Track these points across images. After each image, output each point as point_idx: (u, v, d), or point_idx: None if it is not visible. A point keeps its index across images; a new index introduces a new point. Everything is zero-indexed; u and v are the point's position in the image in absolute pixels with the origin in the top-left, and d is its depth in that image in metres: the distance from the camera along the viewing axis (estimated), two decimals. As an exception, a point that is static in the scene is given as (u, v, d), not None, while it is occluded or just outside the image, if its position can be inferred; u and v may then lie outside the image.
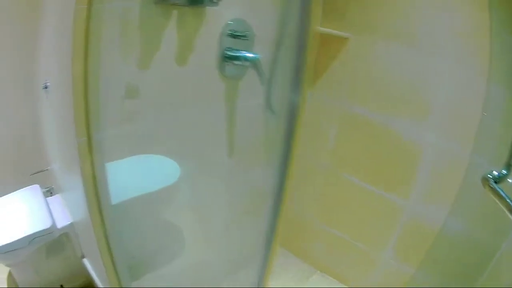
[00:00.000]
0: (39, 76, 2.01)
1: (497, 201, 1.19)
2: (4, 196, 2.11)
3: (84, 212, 1.35)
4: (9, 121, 2.33)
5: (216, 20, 1.37)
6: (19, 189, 2.32)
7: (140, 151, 1.40)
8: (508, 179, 1.27)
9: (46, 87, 1.71)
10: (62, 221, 1.95)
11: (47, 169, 2.38)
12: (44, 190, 2.25)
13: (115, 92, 1.21)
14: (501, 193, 1.19)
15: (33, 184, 2.30)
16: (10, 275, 2.15)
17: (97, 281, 1.73)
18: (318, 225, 2.59)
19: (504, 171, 1.28)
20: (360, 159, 2.28)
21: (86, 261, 2.01)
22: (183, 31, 1.29)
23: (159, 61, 1.26)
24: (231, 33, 1.46)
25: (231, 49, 1.47)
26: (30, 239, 1.83)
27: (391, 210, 2.16)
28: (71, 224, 1.95)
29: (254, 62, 1.45)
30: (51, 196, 2.21)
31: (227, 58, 1.47)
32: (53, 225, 1.89)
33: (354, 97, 2.24)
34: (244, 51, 1.47)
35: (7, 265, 2.01)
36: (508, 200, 1.14)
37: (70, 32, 1.07)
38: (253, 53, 1.45)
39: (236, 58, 1.47)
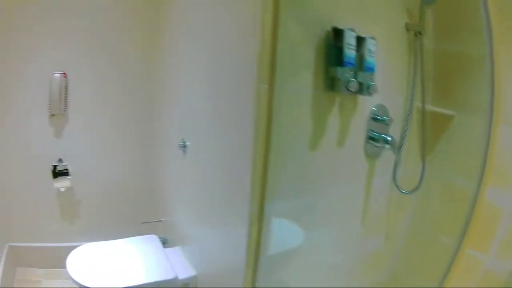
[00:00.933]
0: (168, 133, 2.25)
1: None
2: (121, 240, 2.29)
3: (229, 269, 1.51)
4: (133, 170, 2.60)
5: (367, 106, 1.54)
6: (131, 236, 2.51)
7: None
8: None
9: (184, 146, 1.91)
10: (185, 273, 2.09)
11: (160, 220, 2.57)
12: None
13: (287, 170, 1.37)
14: None
15: (143, 233, 2.46)
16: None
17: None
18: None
19: None
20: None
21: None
22: (342, 115, 1.47)
23: (325, 142, 1.43)
24: (374, 117, 1.62)
25: (373, 131, 1.63)
26: (152, 285, 1.97)
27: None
28: (195, 277, 2.09)
29: (392, 144, 1.60)
30: (165, 246, 2.36)
31: (370, 140, 1.63)
32: (176, 276, 2.03)
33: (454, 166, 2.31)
34: (383, 133, 1.62)
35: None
36: None
37: (246, 107, 1.24)
38: (390, 135, 1.61)
39: (377, 139, 1.62)
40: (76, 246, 2.39)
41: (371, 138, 1.62)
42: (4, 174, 2.34)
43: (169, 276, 2.02)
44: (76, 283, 1.89)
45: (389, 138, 1.59)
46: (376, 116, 1.62)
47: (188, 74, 1.89)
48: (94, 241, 2.32)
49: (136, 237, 2.35)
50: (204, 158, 1.73)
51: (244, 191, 1.31)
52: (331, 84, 1.36)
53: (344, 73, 1.32)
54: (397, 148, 1.58)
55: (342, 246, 1.79)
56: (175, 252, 2.25)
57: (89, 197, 2.55)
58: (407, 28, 1.62)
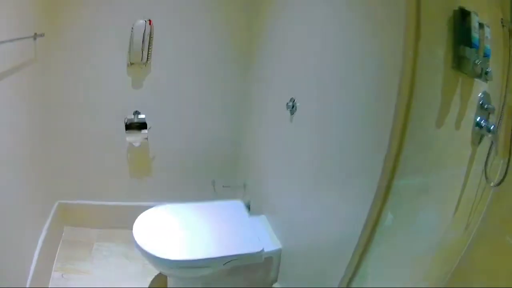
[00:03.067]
0: (270, 91, 2.06)
1: None
2: (200, 203, 2.14)
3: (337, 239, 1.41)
4: (218, 128, 2.43)
5: (476, 91, 1.44)
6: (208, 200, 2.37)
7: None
8: None
9: (293, 107, 1.73)
10: (269, 245, 1.95)
11: (244, 185, 2.41)
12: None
13: (414, 145, 1.24)
14: None
15: (221, 197, 2.37)
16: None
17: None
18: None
19: None
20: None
21: (277, 285, 2.00)
22: (462, 96, 1.35)
23: (447, 121, 1.29)
24: (481, 104, 1.52)
25: (479, 118, 1.53)
26: (231, 259, 1.82)
27: None
28: (279, 250, 1.96)
29: (494, 132, 1.50)
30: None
31: (476, 126, 1.52)
32: (263, 249, 1.87)
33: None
34: (488, 121, 1.52)
35: (181, 278, 1.97)
36: None
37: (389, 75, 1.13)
38: (493, 124, 1.50)
39: (482, 126, 1.52)
40: (141, 207, 2.24)
41: (477, 125, 1.52)
42: (70, 122, 2.19)
43: (255, 248, 1.86)
44: (144, 251, 1.75)
45: (492, 127, 1.49)
46: (483, 103, 1.52)
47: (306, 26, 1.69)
48: (165, 202, 2.17)
49: (219, 201, 2.20)
50: (321, 124, 1.57)
51: (375, 163, 1.20)
52: (458, 63, 1.28)
53: (472, 54, 1.26)
54: (497, 138, 1.48)
55: (433, 232, 1.68)
56: (259, 222, 2.09)
57: (164, 154, 2.39)
58: (502, 24, 1.54)
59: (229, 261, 1.81)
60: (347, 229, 1.35)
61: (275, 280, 2.02)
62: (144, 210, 2.07)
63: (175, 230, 1.90)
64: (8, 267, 1.57)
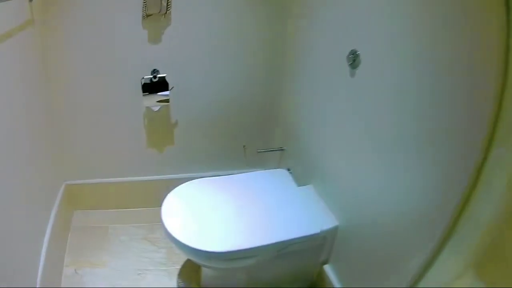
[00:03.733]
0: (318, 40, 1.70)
1: None
2: (238, 175, 1.82)
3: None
4: (251, 86, 2.05)
5: None
6: (239, 169, 2.07)
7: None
8: None
9: (354, 60, 1.40)
10: (326, 223, 1.63)
11: (282, 149, 2.10)
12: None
13: None
14: None
15: (255, 165, 2.13)
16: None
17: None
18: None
19: None
20: None
21: (328, 267, 1.72)
22: None
23: None
24: None
25: None
26: (287, 245, 1.51)
27: None
28: (335, 228, 1.65)
29: None
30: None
31: None
32: (322, 231, 1.57)
33: None
34: None
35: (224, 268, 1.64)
36: None
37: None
38: None
39: None
40: (162, 181, 1.99)
41: None
42: (76, 88, 1.82)
43: (313, 229, 1.56)
44: (178, 242, 1.45)
45: None
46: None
47: None
48: (189, 175, 1.92)
49: (261, 171, 1.87)
50: (397, 79, 1.24)
51: (471, 133, 0.94)
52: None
53: None
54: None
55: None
56: (309, 194, 1.77)
57: (188, 119, 2.03)
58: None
59: (284, 248, 1.51)
60: (427, 204, 1.11)
61: (326, 262, 1.73)
62: (165, 185, 1.79)
63: (214, 211, 1.58)
64: (14, 266, 1.27)
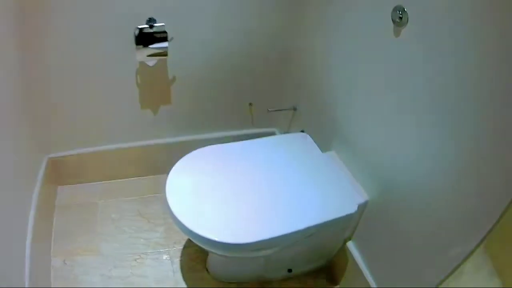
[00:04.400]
0: None
1: None
2: (263, 139, 1.58)
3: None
4: (267, 35, 1.74)
5: None
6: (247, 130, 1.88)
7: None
8: None
9: (401, 18, 1.17)
10: (356, 197, 1.43)
11: (295, 108, 1.87)
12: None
13: None
14: None
15: (263, 125, 1.93)
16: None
17: (362, 266, 1.49)
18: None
19: None
20: None
21: (351, 244, 1.56)
22: None
23: None
24: None
25: None
26: (318, 229, 1.30)
27: None
28: (366, 203, 1.46)
29: None
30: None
31: None
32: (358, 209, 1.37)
33: None
34: None
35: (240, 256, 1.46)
36: None
37: None
38: None
39: None
40: (157, 146, 1.81)
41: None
42: (57, 40, 1.45)
43: (349, 208, 1.35)
44: (193, 234, 1.20)
45: None
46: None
47: None
48: (188, 137, 1.80)
49: (279, 136, 1.62)
50: (448, 43, 1.01)
51: None
52: None
53: None
54: None
55: None
56: (332, 161, 1.55)
57: (187, 75, 1.72)
58: None
59: (315, 231, 1.30)
60: (481, 184, 0.96)
61: (350, 238, 1.56)
62: (160, 151, 1.66)
63: (232, 190, 1.34)
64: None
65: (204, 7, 1.55)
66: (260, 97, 1.90)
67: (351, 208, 1.34)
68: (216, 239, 1.17)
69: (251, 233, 1.19)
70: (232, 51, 1.70)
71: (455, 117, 1.01)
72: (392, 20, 1.16)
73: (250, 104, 1.92)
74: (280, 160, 1.47)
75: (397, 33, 1.17)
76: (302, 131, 1.75)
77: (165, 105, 1.76)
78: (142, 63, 1.58)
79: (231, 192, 1.31)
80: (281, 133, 2.04)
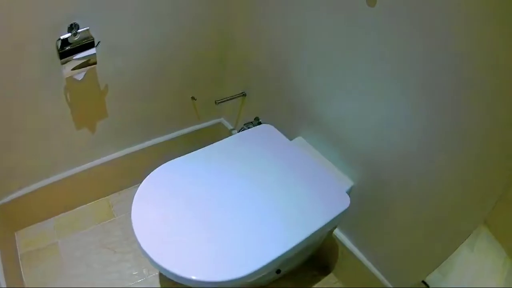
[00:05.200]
0: None
1: None
2: (228, 140, 1.40)
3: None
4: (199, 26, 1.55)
5: None
6: (202, 120, 1.78)
7: None
8: None
9: None
10: (344, 186, 1.34)
11: (244, 94, 1.72)
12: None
13: None
14: None
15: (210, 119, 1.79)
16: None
17: (354, 249, 1.46)
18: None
19: None
20: None
21: (337, 230, 1.52)
22: None
23: None
24: None
25: None
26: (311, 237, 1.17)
27: None
28: (351, 189, 1.36)
29: None
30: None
31: None
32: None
33: None
34: None
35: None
36: None
37: None
38: None
39: None
40: (103, 165, 1.62)
41: None
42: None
43: (343, 204, 1.24)
44: (171, 274, 1.01)
45: None
46: None
47: None
48: (135, 145, 1.65)
49: (242, 133, 1.44)
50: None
51: None
52: None
53: None
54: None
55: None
56: (303, 150, 1.42)
57: (122, 80, 1.48)
58: None
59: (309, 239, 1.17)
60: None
61: (336, 226, 1.51)
62: (108, 168, 1.55)
63: (206, 209, 1.15)
64: None
65: (132, 3, 1.31)
66: (202, 89, 1.73)
67: (345, 202, 1.23)
68: (198, 278, 0.99)
69: (239, 265, 1.03)
70: (164, 45, 1.48)
71: (433, 86, 0.96)
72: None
73: (193, 98, 1.73)
74: (250, 164, 1.31)
75: (369, 3, 1.04)
76: (257, 119, 1.62)
77: (103, 119, 1.53)
78: (70, 79, 1.33)
79: (207, 214, 1.13)
80: (230, 122, 1.90)
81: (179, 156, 1.27)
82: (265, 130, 1.45)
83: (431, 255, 1.15)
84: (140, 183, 1.16)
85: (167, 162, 1.26)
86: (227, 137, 1.40)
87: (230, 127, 1.88)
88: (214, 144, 1.36)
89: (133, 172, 1.70)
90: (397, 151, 1.14)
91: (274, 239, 1.08)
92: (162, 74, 1.55)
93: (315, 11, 1.21)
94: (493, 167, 0.90)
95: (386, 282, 1.36)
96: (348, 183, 1.34)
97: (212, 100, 1.71)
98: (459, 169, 0.98)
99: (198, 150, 1.32)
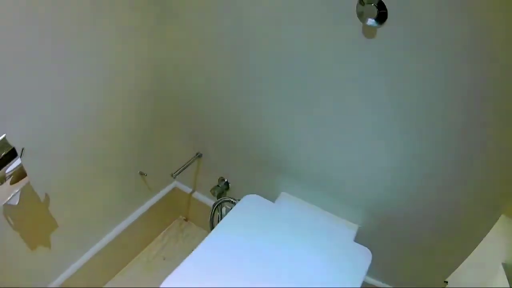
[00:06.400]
0: None
1: None
2: (223, 224, 1.19)
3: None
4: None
5: None
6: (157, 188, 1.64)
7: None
8: None
9: (378, 17, 0.88)
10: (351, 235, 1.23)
11: (199, 156, 1.53)
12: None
13: None
14: None
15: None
16: None
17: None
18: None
19: None
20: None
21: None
22: None
23: None
24: None
25: None
26: None
27: None
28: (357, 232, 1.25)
29: None
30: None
31: None
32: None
33: None
34: None
35: None
36: None
37: None
38: None
39: None
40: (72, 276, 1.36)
41: None
42: None
43: (367, 258, 1.12)
44: None
45: None
46: None
47: None
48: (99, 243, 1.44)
49: (229, 215, 1.22)
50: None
51: None
52: None
53: None
54: None
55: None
56: (296, 210, 1.29)
57: (61, 181, 1.20)
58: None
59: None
60: None
61: None
62: (80, 274, 1.33)
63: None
64: None
65: (46, 92, 1.05)
66: (149, 161, 1.52)
67: (367, 257, 1.10)
68: None
69: None
70: (100, 131, 1.25)
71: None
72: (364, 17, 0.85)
73: (141, 173, 1.50)
74: (255, 244, 1.12)
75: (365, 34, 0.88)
76: (223, 179, 1.47)
77: (55, 231, 1.25)
78: (6, 206, 1.05)
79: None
80: (186, 185, 1.68)
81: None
82: (251, 201, 1.27)
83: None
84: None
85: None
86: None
87: (188, 190, 1.67)
88: (210, 238, 1.14)
89: (105, 270, 1.51)
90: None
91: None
92: (102, 158, 1.31)
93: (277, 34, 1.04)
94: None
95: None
96: (353, 228, 1.22)
97: (162, 168, 1.53)
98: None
99: (195, 251, 1.09)
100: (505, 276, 1.37)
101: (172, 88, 1.37)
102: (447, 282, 1.22)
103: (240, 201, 1.25)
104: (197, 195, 1.65)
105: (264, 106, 1.17)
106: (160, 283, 0.99)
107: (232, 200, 1.41)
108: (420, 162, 0.98)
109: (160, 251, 1.68)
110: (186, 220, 1.81)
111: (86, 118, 1.19)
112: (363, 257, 1.11)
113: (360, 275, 1.06)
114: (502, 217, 0.92)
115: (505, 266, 1.52)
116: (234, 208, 1.22)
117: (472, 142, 0.87)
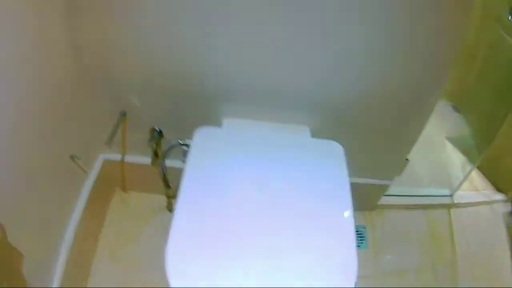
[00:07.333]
0: None
1: None
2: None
3: None
4: None
5: None
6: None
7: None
8: None
9: None
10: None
11: (124, 115, 1.37)
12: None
13: None
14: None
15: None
16: None
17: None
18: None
19: None
20: None
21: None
22: None
23: None
24: None
25: None
26: None
27: None
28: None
29: None
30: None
31: None
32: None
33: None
34: None
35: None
36: None
37: None
38: None
39: None
40: None
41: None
42: None
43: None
44: None
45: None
46: None
47: None
48: None
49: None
50: None
51: None
52: None
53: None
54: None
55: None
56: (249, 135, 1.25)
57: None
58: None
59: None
60: None
61: None
62: None
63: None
64: None
65: None
66: (78, 141, 1.34)
67: (339, 148, 1.16)
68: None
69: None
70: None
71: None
72: None
73: (72, 156, 1.31)
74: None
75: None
76: (154, 129, 1.39)
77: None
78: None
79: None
80: (117, 153, 1.52)
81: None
82: (205, 133, 1.20)
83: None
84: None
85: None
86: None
87: (118, 157, 1.51)
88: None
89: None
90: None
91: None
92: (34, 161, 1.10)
93: None
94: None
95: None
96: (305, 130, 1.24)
97: (93, 142, 1.36)
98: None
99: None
100: (454, 148, 1.52)
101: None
102: (408, 160, 1.34)
103: (194, 136, 1.18)
104: (130, 158, 1.51)
105: (181, 32, 1.06)
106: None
107: (179, 142, 1.30)
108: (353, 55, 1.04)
109: (115, 238, 1.53)
110: (124, 191, 1.66)
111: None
112: (333, 149, 1.16)
113: (342, 165, 1.11)
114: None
115: (450, 139, 1.68)
116: (192, 145, 1.15)
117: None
